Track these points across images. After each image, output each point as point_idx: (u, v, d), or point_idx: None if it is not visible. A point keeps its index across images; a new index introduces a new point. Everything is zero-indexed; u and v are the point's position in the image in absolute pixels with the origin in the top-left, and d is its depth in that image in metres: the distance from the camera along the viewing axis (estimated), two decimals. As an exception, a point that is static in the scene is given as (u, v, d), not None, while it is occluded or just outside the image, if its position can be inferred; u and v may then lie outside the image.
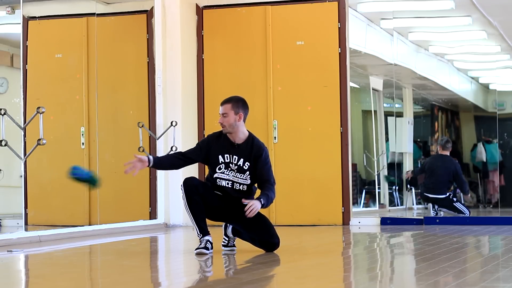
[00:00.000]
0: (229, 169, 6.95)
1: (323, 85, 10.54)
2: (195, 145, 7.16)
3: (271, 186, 6.94)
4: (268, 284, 5.45)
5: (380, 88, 13.43)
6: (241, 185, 6.97)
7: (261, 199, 6.77)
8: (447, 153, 12.11)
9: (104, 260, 7.18)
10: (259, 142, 7.05)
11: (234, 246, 7.22)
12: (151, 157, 7.01)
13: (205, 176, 7.19)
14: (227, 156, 6.95)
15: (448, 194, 11.93)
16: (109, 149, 10.42)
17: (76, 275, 6.01)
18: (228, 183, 6.95)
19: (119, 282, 5.52)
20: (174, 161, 7.11)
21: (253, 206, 6.70)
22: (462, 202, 12.08)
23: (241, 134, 6.99)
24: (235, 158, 6.95)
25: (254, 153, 6.96)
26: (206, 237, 6.92)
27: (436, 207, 11.97)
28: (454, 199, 11.89)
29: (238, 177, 6.96)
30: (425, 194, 12.24)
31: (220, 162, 6.93)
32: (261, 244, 7.06)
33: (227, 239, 7.21)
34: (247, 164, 6.96)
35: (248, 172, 6.96)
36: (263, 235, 7.01)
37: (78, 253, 7.84)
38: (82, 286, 5.42)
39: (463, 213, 11.71)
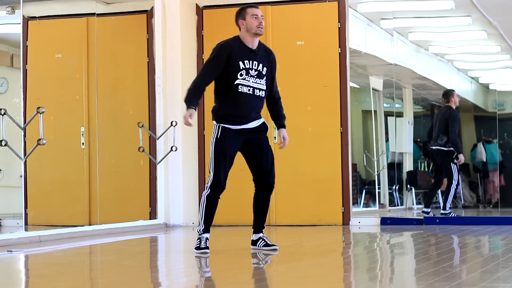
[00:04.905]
0: (249, 75, 6.99)
1: (323, 85, 10.54)
2: (210, 59, 7.06)
3: (280, 101, 7.29)
4: (268, 284, 5.45)
5: (380, 88, 13.43)
6: (260, 91, 7.05)
7: (284, 126, 7.28)
8: (450, 104, 11.90)
9: (104, 260, 7.18)
10: (267, 46, 7.25)
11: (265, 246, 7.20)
12: (193, 108, 6.93)
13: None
14: (247, 62, 7.00)
15: (451, 148, 11.65)
16: (109, 149, 10.42)
17: (76, 275, 6.01)
18: (249, 90, 6.99)
19: (119, 282, 5.52)
20: (200, 95, 7.07)
21: (287, 139, 7.25)
22: (458, 165, 11.83)
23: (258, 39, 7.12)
24: (255, 63, 7.02)
25: (271, 57, 7.14)
26: (205, 235, 6.98)
27: (429, 210, 11.82)
28: (455, 160, 11.66)
29: (259, 83, 7.03)
30: (430, 147, 11.97)
31: (241, 68, 6.96)
32: (257, 181, 7.11)
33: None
34: (265, 69, 7.06)
35: (265, 78, 7.06)
36: (263, 172, 7.07)
37: (78, 253, 7.84)
38: (82, 286, 5.42)
39: (452, 177, 11.50)
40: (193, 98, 6.96)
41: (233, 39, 7.10)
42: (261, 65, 7.04)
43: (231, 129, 7.00)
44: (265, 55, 7.09)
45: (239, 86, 6.97)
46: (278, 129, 7.28)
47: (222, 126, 7.00)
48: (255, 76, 7.00)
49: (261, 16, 7.05)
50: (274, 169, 7.16)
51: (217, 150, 6.99)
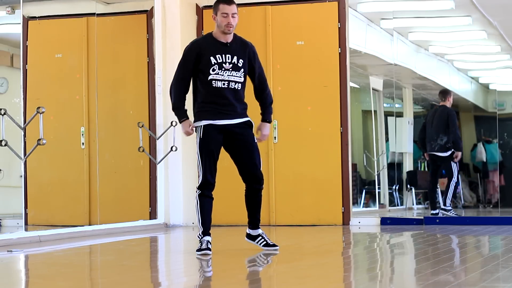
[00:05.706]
0: (223, 69, 6.94)
1: (323, 85, 10.54)
2: (181, 61, 7.05)
3: (269, 92, 7.20)
4: (268, 284, 5.45)
5: (380, 88, 13.43)
6: (236, 84, 6.98)
7: (268, 120, 7.16)
8: (446, 103, 11.91)
9: (104, 260, 7.18)
10: (245, 39, 7.14)
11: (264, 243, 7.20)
12: (186, 118, 7.08)
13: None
14: (218, 57, 6.95)
15: (450, 152, 11.69)
16: (109, 149, 10.42)
17: (76, 275, 6.02)
18: (224, 84, 6.95)
19: (119, 282, 5.52)
20: (185, 99, 7.13)
21: (267, 135, 7.17)
22: (458, 164, 11.85)
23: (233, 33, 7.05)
24: (228, 57, 6.97)
25: (248, 49, 7.05)
26: (207, 238, 6.95)
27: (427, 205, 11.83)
28: (455, 159, 11.66)
29: (234, 75, 6.98)
30: (431, 153, 11.95)
31: (213, 63, 6.93)
32: (244, 177, 7.10)
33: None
34: (241, 61, 7.00)
35: (242, 70, 7.00)
36: (249, 167, 7.04)
37: (78, 253, 7.84)
38: (82, 286, 5.42)
39: (452, 176, 11.54)
40: (180, 108, 7.07)
41: (205, 36, 7.10)
42: (235, 57, 6.98)
43: (213, 125, 6.97)
44: (240, 48, 7.03)
45: (213, 81, 6.95)
46: (261, 121, 7.19)
47: (204, 125, 6.99)
48: (230, 69, 6.96)
49: (233, 14, 6.93)
50: (260, 166, 7.12)
51: (201, 150, 7.00)
